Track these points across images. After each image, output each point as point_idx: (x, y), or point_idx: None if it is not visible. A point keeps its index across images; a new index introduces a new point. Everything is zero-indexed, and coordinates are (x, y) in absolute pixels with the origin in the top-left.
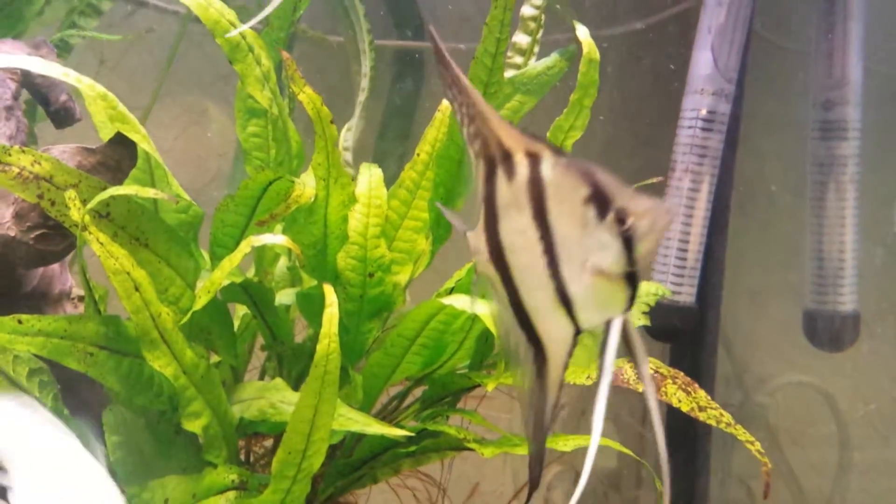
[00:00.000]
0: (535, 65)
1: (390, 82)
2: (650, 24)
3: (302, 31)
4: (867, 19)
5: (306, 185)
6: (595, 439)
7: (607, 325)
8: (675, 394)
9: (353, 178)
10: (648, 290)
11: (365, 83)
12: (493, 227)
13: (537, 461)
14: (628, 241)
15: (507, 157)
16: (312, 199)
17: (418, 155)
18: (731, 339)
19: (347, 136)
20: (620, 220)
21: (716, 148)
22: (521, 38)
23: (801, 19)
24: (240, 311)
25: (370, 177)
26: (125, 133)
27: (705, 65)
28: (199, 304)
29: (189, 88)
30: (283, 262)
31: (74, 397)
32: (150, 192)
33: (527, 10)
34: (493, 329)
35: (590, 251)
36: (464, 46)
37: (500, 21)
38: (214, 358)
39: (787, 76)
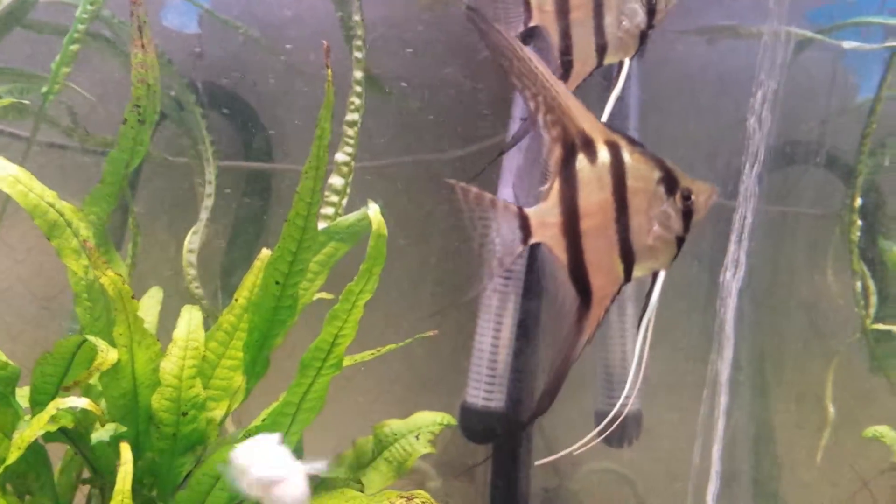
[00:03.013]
0: (347, 217)
1: (239, 197)
2: (471, 152)
3: (156, 155)
4: None
5: (108, 352)
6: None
7: (654, 275)
8: None
9: (194, 279)
10: (434, 420)
11: (210, 189)
12: (571, 199)
13: (556, 387)
14: (688, 213)
15: (589, 144)
16: (116, 362)
17: (236, 300)
18: (547, 431)
19: (193, 239)
20: (685, 196)
21: (520, 271)
22: (335, 181)
23: None
24: None
25: (189, 320)
26: None
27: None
28: (11, 458)
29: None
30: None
31: None
32: None
33: (340, 157)
34: None
35: (655, 219)
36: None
37: (310, 189)
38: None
39: None
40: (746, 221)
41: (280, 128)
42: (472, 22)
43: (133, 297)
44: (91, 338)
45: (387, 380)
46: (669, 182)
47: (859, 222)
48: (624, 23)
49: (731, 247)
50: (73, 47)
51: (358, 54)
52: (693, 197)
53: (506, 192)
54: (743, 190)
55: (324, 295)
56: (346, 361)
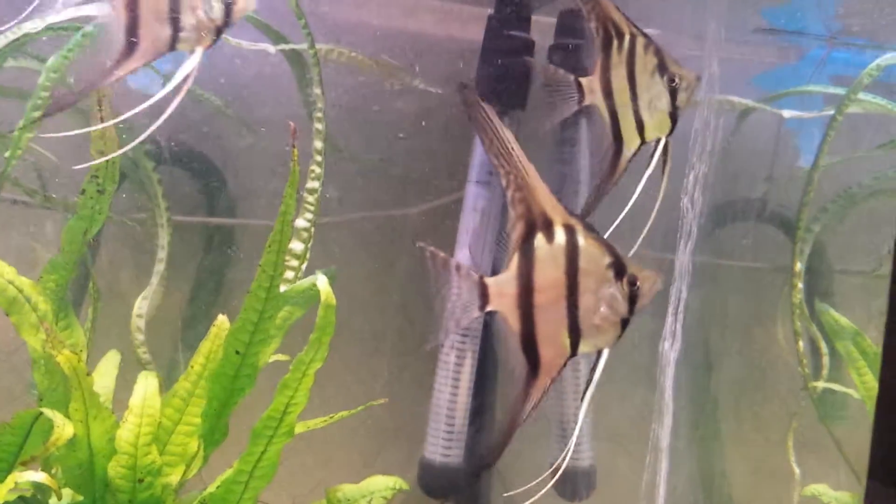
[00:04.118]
0: (301, 283)
1: (201, 252)
2: (431, 208)
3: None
4: None
5: (65, 427)
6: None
7: (598, 352)
8: None
9: (141, 344)
10: (387, 485)
11: (162, 255)
12: (528, 273)
13: (501, 447)
14: (633, 297)
15: (549, 225)
16: (72, 437)
17: (192, 367)
18: (508, 484)
19: (142, 304)
20: (631, 282)
21: (477, 329)
22: (296, 245)
23: None
24: None
25: (146, 387)
26: None
27: (464, 261)
28: None
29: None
30: None
31: None
32: None
33: (300, 223)
34: None
35: (602, 300)
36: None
37: (273, 263)
38: None
39: None
40: (682, 296)
41: (242, 183)
42: (462, 98)
43: (88, 374)
44: (47, 411)
45: (348, 428)
46: (618, 267)
47: (800, 285)
48: (654, 104)
49: (669, 319)
50: (36, 113)
51: (318, 125)
52: (639, 283)
53: (462, 254)
54: (678, 266)
55: (279, 357)
56: (299, 428)
